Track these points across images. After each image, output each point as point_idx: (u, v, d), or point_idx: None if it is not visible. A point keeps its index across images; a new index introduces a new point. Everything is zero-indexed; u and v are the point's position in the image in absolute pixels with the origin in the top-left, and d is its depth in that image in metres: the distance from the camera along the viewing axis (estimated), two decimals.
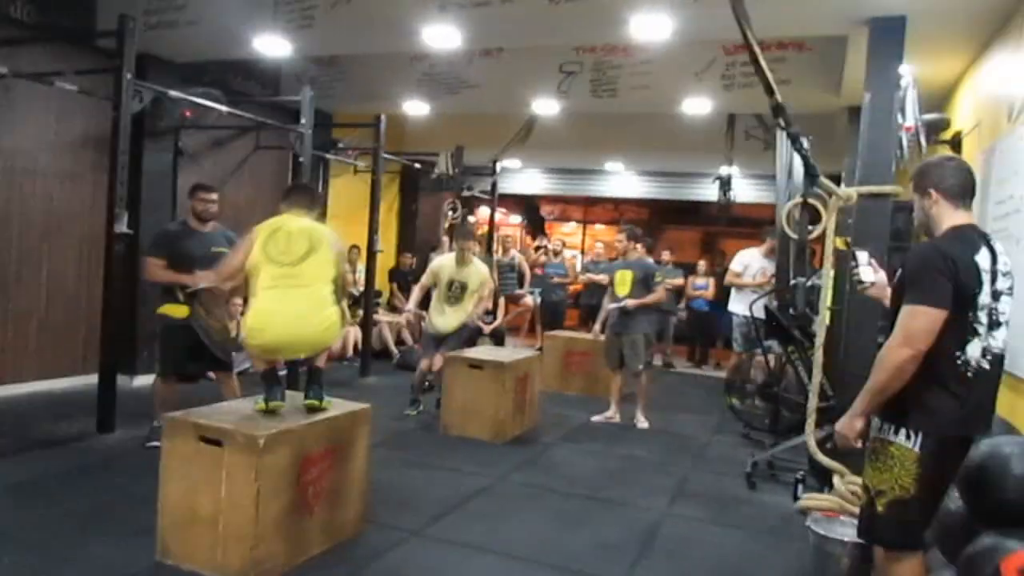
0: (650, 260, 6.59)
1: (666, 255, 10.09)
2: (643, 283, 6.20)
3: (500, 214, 11.77)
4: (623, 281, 6.27)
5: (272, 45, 6.00)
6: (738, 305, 6.91)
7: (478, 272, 6.12)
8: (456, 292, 6.07)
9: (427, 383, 7.04)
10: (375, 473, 4.01)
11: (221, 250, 4.52)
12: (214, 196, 4.86)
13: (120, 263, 5.19)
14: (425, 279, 6.31)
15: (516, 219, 15.62)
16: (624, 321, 6.21)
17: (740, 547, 3.87)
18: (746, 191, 9.80)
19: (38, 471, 4.27)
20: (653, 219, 14.62)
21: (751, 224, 10.19)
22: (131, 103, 5.09)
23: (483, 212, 11.38)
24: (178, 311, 4.63)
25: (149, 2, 6.03)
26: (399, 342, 9.14)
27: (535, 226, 15.70)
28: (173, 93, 5.79)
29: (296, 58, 7.27)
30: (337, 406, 3.58)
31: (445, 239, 10.73)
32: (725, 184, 8.67)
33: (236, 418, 3.20)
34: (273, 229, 3.54)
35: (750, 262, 7.04)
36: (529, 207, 15.63)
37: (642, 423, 6.27)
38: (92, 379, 5.34)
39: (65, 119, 6.23)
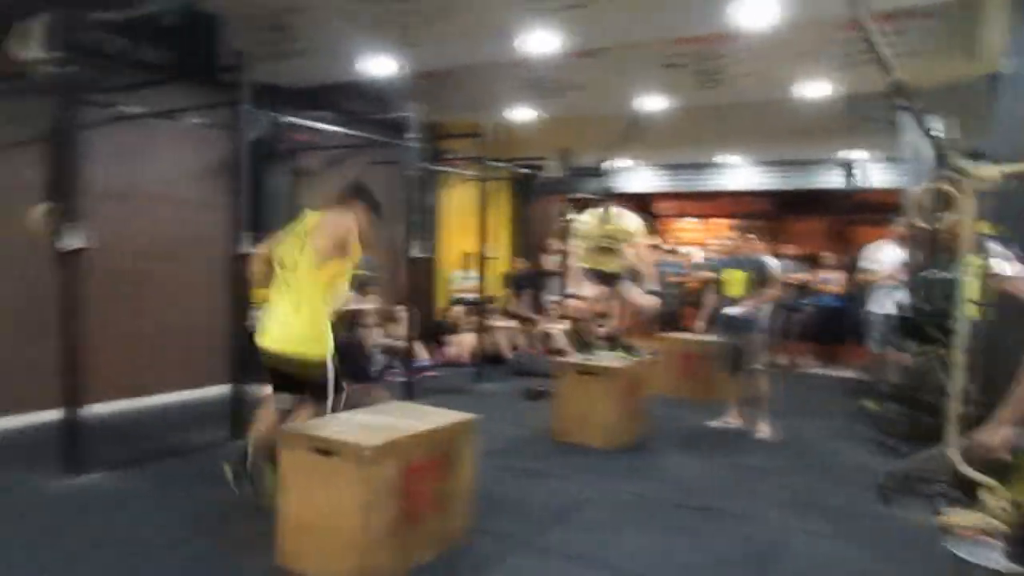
0: (763, 255, 6.26)
1: (790, 249, 9.59)
2: (757, 281, 5.93)
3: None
4: (733, 280, 6.02)
5: (378, 65, 6.20)
6: (876, 303, 6.69)
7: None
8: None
9: (542, 389, 7.08)
10: (484, 481, 4.04)
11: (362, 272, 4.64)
12: None
13: (240, 278, 5.49)
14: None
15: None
16: (738, 320, 5.96)
17: (870, 567, 3.62)
18: (877, 175, 9.18)
19: (176, 475, 4.61)
20: (774, 210, 14.01)
21: (884, 210, 9.52)
22: (249, 131, 5.39)
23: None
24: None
25: (266, 36, 6.38)
26: (513, 347, 9.21)
27: (649, 225, 15.39)
28: (288, 119, 6.09)
29: (403, 74, 7.48)
30: (443, 416, 3.64)
31: (555, 242, 10.71)
32: (850, 170, 8.14)
33: (348, 429, 3.31)
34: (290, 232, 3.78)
35: (881, 257, 6.72)
36: (644, 205, 15.37)
37: (762, 432, 5.93)
38: (225, 389, 5.69)
39: (195, 151, 6.70)
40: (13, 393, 5.51)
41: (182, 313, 6.75)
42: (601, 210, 6.24)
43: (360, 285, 5.92)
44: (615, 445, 5.47)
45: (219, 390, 6.53)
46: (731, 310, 5.92)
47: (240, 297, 5.42)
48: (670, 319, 9.84)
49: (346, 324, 4.85)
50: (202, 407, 6.33)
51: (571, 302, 8.18)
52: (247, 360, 5.65)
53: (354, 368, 4.92)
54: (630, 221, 6.30)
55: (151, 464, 4.82)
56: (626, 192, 11.11)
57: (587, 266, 6.34)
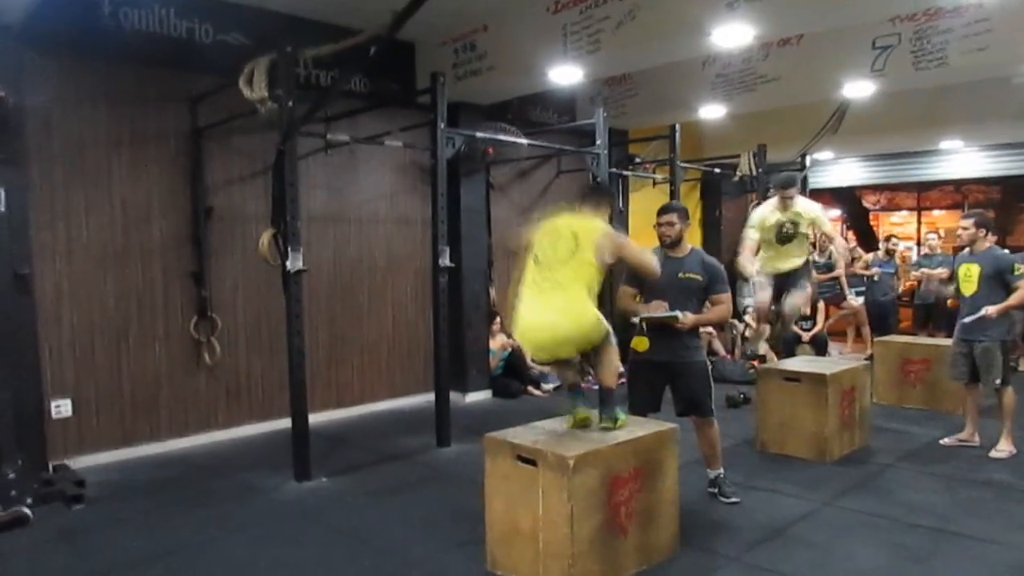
0: (1003, 251, 5.53)
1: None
2: (995, 279, 5.21)
3: None
4: (968, 277, 5.33)
5: (565, 74, 6.25)
6: None
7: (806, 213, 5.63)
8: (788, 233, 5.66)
9: (742, 396, 6.78)
10: (687, 494, 3.92)
11: (692, 276, 4.22)
12: (667, 218, 4.27)
13: (446, 292, 5.76)
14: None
15: (834, 212, 14.34)
16: (973, 326, 5.28)
17: None
18: None
19: (389, 480, 4.90)
20: (1005, 198, 12.45)
21: None
22: (446, 149, 5.65)
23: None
24: (640, 344, 4.22)
25: (457, 56, 6.67)
26: (710, 352, 8.88)
27: (857, 219, 14.28)
28: (480, 134, 6.32)
29: (588, 82, 7.53)
30: (644, 426, 3.57)
31: None
32: None
33: (549, 438, 3.34)
34: (546, 230, 3.61)
35: None
36: (849, 199, 14.28)
37: (1002, 451, 5.19)
38: (432, 397, 5.97)
39: (396, 171, 7.15)
40: (251, 404, 6.18)
41: (389, 325, 7.20)
42: (776, 198, 5.69)
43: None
44: (829, 457, 5.09)
45: (423, 399, 6.93)
46: (970, 317, 5.21)
47: (441, 307, 5.68)
48: (882, 322, 9.03)
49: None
50: (408, 416, 6.70)
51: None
52: (449, 368, 5.95)
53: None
54: (811, 206, 5.74)
55: (368, 469, 5.16)
56: (829, 187, 10.33)
57: (763, 269, 5.81)
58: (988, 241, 5.39)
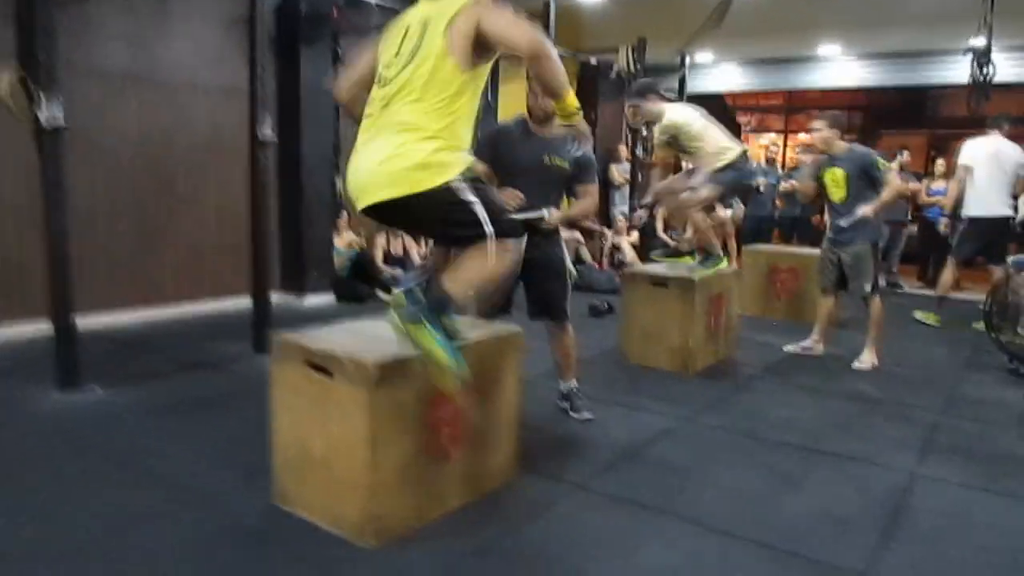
0: (863, 147, 5.13)
1: (905, 156, 8.27)
2: (863, 179, 4.81)
3: None
4: (835, 182, 4.93)
5: None
6: (974, 207, 6.03)
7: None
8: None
9: (607, 305, 6.34)
10: (533, 410, 3.33)
11: (559, 163, 3.51)
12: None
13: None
14: None
15: None
16: (848, 230, 4.93)
17: None
18: (1005, 69, 7.76)
19: (187, 393, 4.04)
20: (866, 124, 12.58)
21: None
22: None
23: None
24: None
25: None
26: (577, 260, 8.37)
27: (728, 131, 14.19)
28: None
29: None
30: (478, 328, 2.88)
31: (623, 148, 9.70)
32: (983, 58, 6.73)
33: (356, 340, 2.58)
34: (391, 32, 2.48)
35: (976, 153, 6.04)
36: (724, 120, 14.10)
37: (864, 362, 4.94)
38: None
39: (222, 29, 5.93)
40: (23, 299, 5.00)
41: (212, 214, 6.13)
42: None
43: None
44: (695, 371, 4.66)
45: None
46: (846, 220, 4.84)
47: (260, 187, 4.72)
48: (757, 237, 8.82)
49: None
50: (231, 320, 5.73)
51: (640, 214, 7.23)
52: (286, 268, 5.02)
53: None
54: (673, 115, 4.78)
55: (157, 381, 4.25)
56: (706, 92, 9.86)
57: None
58: (843, 142, 5.00)
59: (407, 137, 2.28)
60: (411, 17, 2.43)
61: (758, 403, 4.19)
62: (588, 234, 8.80)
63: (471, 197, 2.31)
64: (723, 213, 8.90)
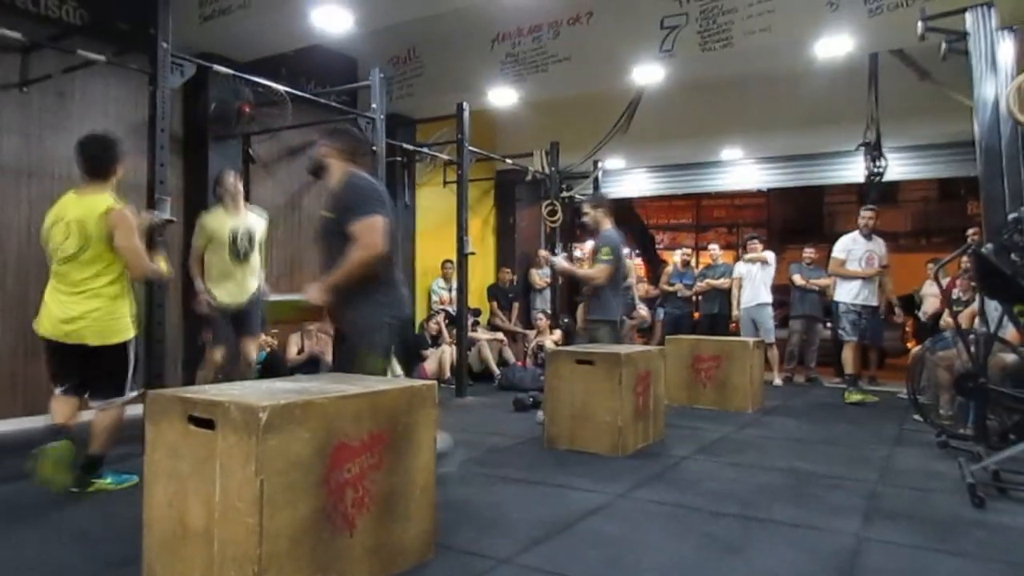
0: (610, 232, 5.30)
1: (809, 252, 8.55)
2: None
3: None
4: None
5: (331, 18, 5.32)
6: (845, 293, 6.64)
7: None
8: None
9: (531, 399, 6.11)
10: (457, 490, 3.02)
11: (326, 213, 3.29)
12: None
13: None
14: None
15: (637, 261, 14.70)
16: None
17: None
18: (896, 167, 8.29)
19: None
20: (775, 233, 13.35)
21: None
22: (172, 76, 4.46)
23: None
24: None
25: None
26: (501, 362, 8.17)
27: (645, 249, 14.68)
28: (220, 68, 5.15)
29: (369, 56, 6.94)
30: (388, 382, 2.61)
31: (544, 253, 9.77)
32: (874, 151, 7.18)
33: (246, 391, 2.28)
34: (53, 220, 3.40)
35: (852, 246, 6.68)
36: (640, 233, 14.69)
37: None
38: None
39: (129, 130, 5.75)
40: None
41: None
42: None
43: None
44: (624, 451, 4.42)
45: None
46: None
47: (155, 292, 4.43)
48: (676, 332, 8.87)
49: None
50: None
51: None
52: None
53: None
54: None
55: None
56: (618, 198, 10.18)
57: None
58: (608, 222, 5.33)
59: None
60: (64, 211, 3.42)
61: (693, 478, 3.97)
62: (511, 336, 8.68)
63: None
64: (643, 310, 9.01)
